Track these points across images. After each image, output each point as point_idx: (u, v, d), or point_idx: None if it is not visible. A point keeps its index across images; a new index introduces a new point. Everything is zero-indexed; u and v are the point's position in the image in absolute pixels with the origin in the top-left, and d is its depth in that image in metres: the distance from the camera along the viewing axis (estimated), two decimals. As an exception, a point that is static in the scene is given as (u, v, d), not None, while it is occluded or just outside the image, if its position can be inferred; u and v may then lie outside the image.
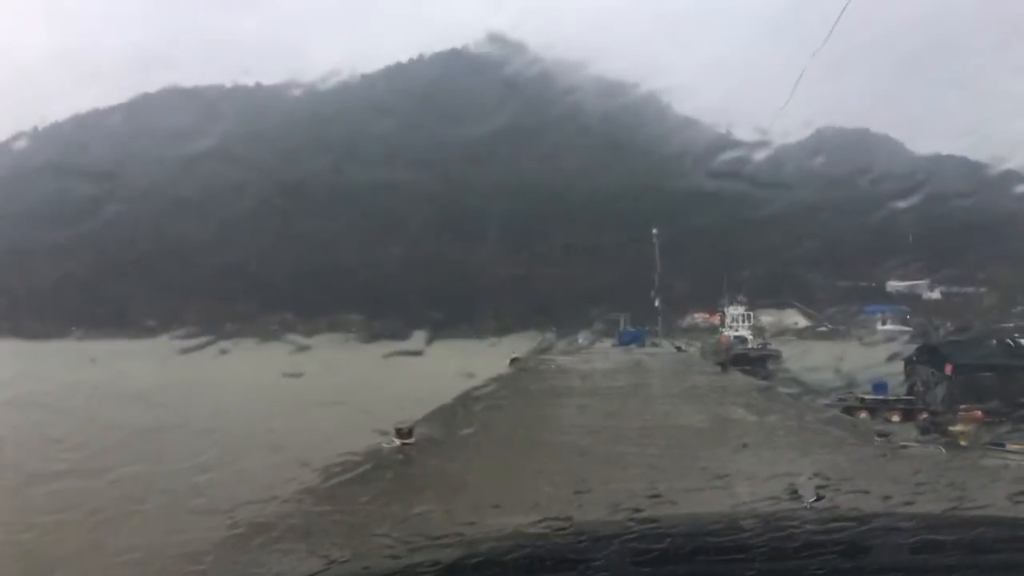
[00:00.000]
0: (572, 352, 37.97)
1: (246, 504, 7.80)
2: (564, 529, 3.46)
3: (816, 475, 7.21)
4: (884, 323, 48.70)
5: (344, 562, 4.06)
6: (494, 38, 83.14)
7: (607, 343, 45.29)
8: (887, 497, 4.28)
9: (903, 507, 4.57)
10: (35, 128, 68.41)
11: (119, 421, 14.45)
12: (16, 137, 64.11)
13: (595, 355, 36.34)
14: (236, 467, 10.32)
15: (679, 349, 45.85)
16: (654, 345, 47.79)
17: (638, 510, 3.68)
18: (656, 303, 54.11)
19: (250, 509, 7.53)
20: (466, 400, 16.64)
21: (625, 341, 46.23)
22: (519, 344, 32.86)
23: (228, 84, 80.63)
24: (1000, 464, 10.74)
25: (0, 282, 38.36)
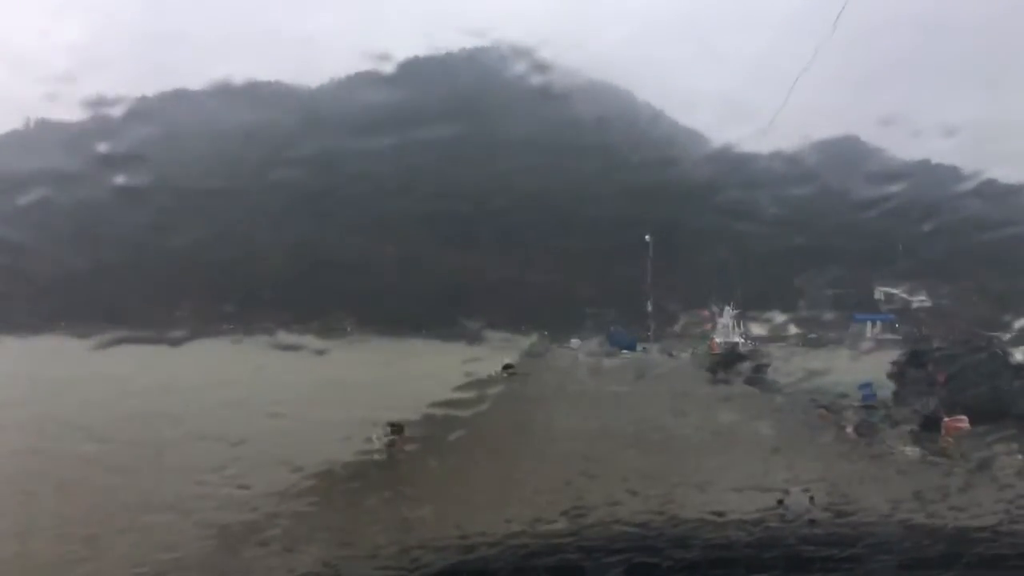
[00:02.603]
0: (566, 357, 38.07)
1: (241, 505, 7.81)
2: (564, 539, 3.50)
3: (807, 490, 7.23)
4: (873, 331, 48.84)
5: (338, 564, 4.08)
6: (488, 42, 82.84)
7: (597, 346, 45.37)
8: (884, 515, 4.30)
9: (892, 522, 4.59)
10: (28, 121, 67.69)
11: (112, 419, 14.38)
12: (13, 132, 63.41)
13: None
14: (230, 468, 10.28)
15: (670, 355, 45.87)
16: (644, 351, 47.87)
17: (637, 524, 3.72)
18: (648, 308, 54.16)
19: (245, 510, 7.54)
20: (458, 404, 16.64)
21: (616, 346, 46.26)
22: (510, 348, 32.81)
23: (223, 84, 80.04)
24: (990, 475, 10.79)
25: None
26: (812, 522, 5.30)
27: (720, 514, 4.97)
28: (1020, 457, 12.35)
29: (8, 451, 12.50)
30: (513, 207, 63.95)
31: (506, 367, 27.56)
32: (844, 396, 20.74)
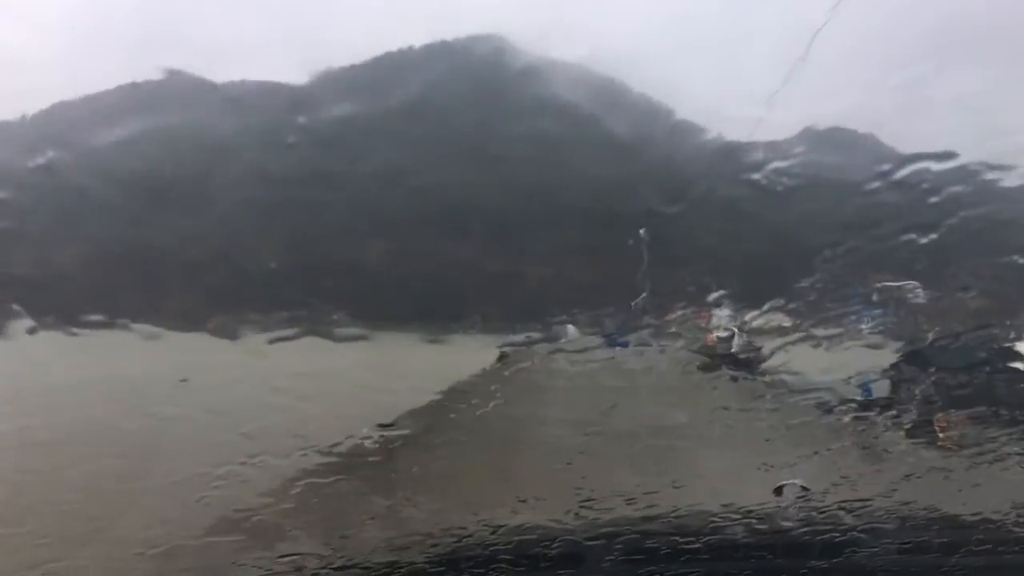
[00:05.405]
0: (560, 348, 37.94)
1: (233, 499, 7.79)
2: (563, 525, 3.52)
3: (801, 480, 7.25)
4: (870, 325, 48.78)
5: (334, 556, 4.09)
6: (485, 32, 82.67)
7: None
8: (883, 502, 4.31)
9: (889, 508, 4.59)
10: (23, 116, 67.25)
11: (107, 415, 14.37)
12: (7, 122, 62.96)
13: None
14: (221, 463, 10.27)
15: (664, 349, 45.75)
16: (640, 344, 47.82)
17: (634, 510, 3.73)
18: (643, 303, 54.15)
19: (237, 504, 7.52)
20: (452, 395, 16.68)
21: (610, 339, 46.11)
22: (506, 341, 32.68)
23: (216, 79, 79.62)
24: (987, 465, 10.82)
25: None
26: (809, 509, 5.31)
27: (718, 501, 4.97)
28: (1017, 447, 12.39)
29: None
30: (508, 198, 63.96)
31: (502, 356, 27.36)
32: (841, 388, 20.77)
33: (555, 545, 3.63)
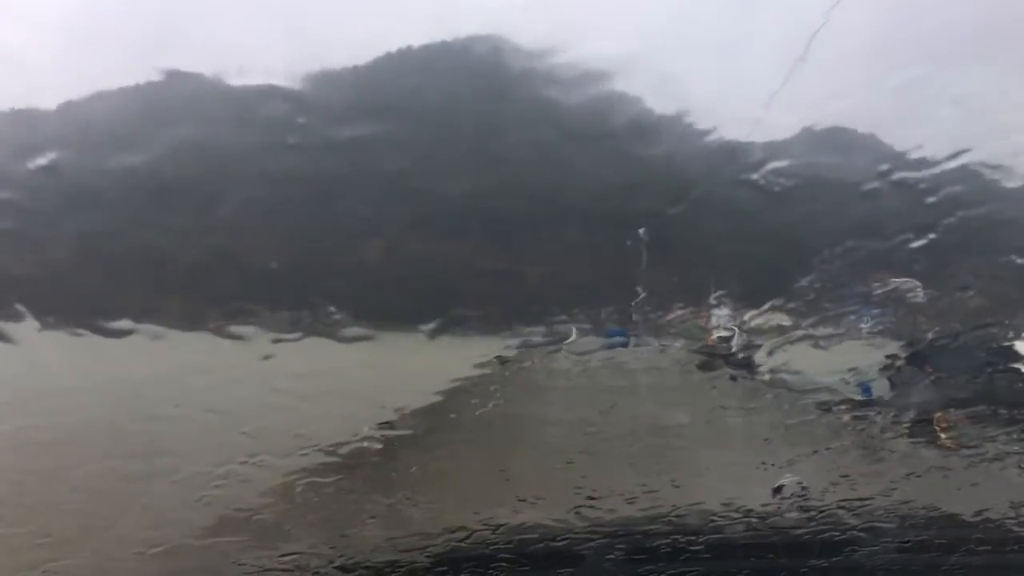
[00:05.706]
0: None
1: (231, 498, 7.80)
2: (562, 524, 3.53)
3: (800, 479, 7.25)
4: (868, 324, 48.76)
5: (335, 555, 4.11)
6: (480, 31, 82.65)
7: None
8: (883, 500, 4.31)
9: (889, 507, 4.60)
10: (23, 116, 67.13)
11: (108, 414, 14.36)
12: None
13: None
14: (217, 461, 10.27)
15: (663, 349, 45.74)
16: (638, 344, 47.80)
17: (635, 509, 3.74)
18: (643, 302, 54.10)
19: (235, 503, 7.53)
20: (452, 394, 16.64)
21: (609, 339, 46.03)
22: (503, 342, 32.57)
23: (210, 75, 79.28)
24: (983, 465, 10.84)
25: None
26: (807, 508, 5.33)
27: (718, 499, 4.98)
28: (1017, 446, 12.39)
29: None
30: (507, 198, 63.89)
31: (500, 358, 27.32)
32: (841, 388, 20.75)
33: (555, 544, 3.65)
